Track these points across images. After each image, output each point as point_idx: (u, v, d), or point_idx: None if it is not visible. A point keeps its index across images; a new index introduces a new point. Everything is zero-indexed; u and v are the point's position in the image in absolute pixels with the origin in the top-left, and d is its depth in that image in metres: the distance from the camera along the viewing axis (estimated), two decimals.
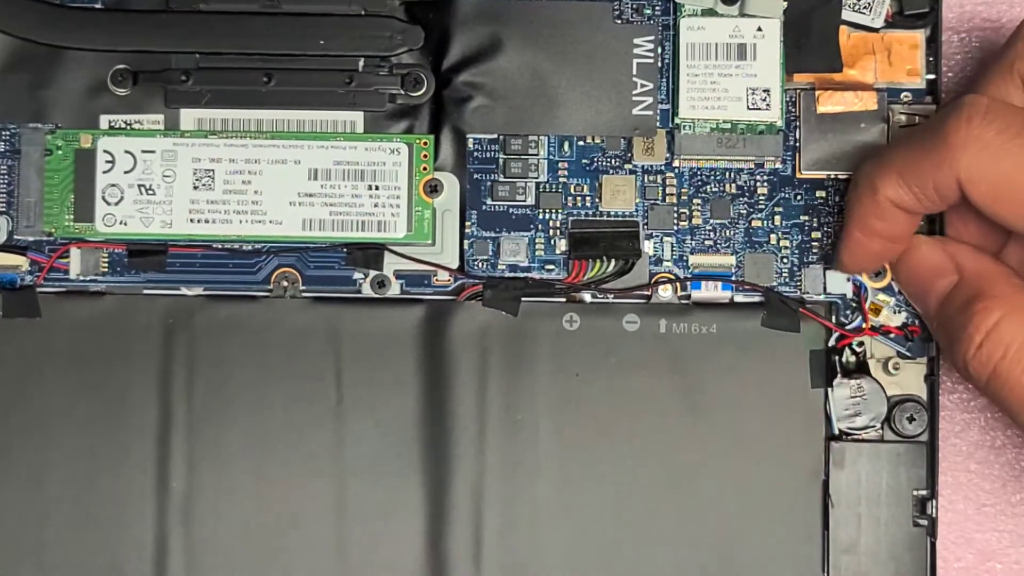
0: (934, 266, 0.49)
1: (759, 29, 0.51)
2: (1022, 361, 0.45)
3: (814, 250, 0.51)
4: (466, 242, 0.52)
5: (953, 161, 0.45)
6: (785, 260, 0.51)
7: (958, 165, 0.45)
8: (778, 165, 0.52)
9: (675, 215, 0.52)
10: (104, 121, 0.52)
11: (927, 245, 0.49)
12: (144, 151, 0.51)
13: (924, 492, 0.51)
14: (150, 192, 0.51)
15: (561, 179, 0.52)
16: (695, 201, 0.52)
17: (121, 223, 0.51)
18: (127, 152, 0.51)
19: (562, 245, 0.52)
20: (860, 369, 0.51)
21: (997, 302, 0.46)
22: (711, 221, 0.52)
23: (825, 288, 0.51)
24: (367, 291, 0.52)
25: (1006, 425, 0.53)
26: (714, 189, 0.52)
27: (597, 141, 0.52)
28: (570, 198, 0.52)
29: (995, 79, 0.47)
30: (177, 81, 0.52)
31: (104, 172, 0.51)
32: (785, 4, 0.50)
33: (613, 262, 0.51)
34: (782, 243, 0.52)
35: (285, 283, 0.52)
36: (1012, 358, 0.45)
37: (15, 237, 0.52)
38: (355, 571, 0.51)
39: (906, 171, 0.46)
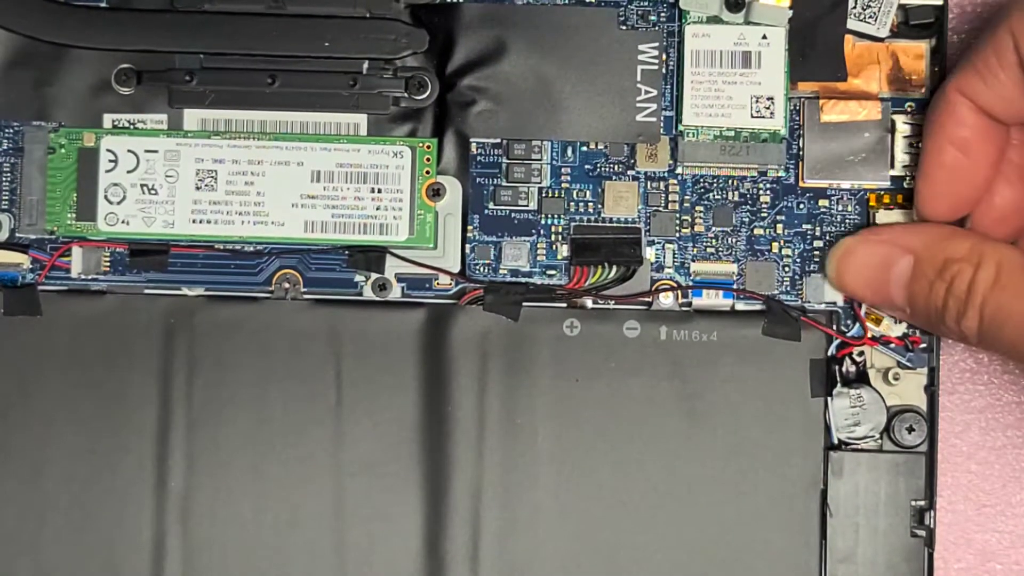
0: (880, 258, 0.49)
1: (764, 37, 0.51)
2: (1009, 290, 0.45)
3: (816, 259, 0.51)
4: (468, 246, 0.52)
5: (1007, 21, 0.46)
6: (787, 269, 0.51)
7: (1011, 20, 0.46)
8: (781, 173, 0.52)
9: (677, 222, 0.52)
10: (107, 120, 0.52)
11: (860, 242, 0.49)
12: (147, 151, 0.51)
13: (922, 502, 0.51)
14: (152, 192, 0.51)
15: (564, 184, 0.52)
16: (697, 208, 0.52)
17: (123, 222, 0.51)
18: (130, 151, 0.51)
19: (564, 250, 0.52)
20: (860, 379, 0.51)
21: (967, 260, 0.46)
22: (713, 229, 0.52)
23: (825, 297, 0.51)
24: (368, 294, 0.52)
25: (1006, 426, 0.53)
26: (717, 196, 0.52)
27: (600, 147, 0.52)
28: (572, 203, 0.52)
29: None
30: (181, 81, 0.52)
31: (107, 171, 0.51)
32: (791, 12, 0.50)
33: (615, 268, 0.51)
34: (784, 251, 0.52)
35: (286, 285, 0.52)
36: (1002, 296, 0.45)
37: (17, 235, 0.52)
38: (352, 572, 0.51)
39: (977, 63, 0.47)
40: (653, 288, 0.51)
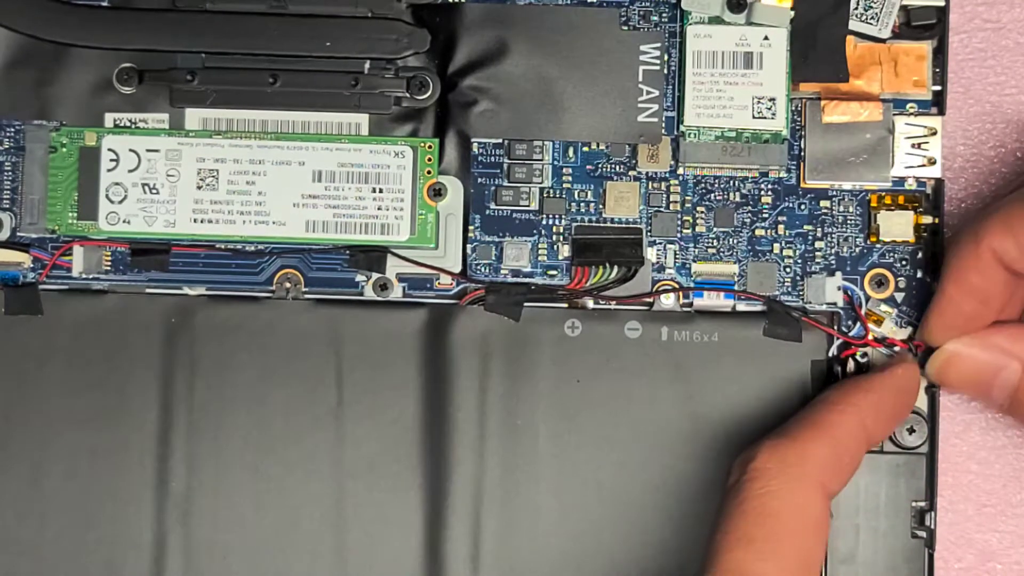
0: (986, 365, 0.49)
1: (766, 38, 0.51)
2: None
3: (817, 260, 0.51)
4: (469, 246, 0.52)
5: None
6: (788, 269, 0.51)
7: None
8: (782, 174, 0.52)
9: (679, 223, 0.52)
10: (109, 119, 0.52)
11: (967, 347, 0.49)
12: (148, 150, 0.51)
13: (923, 503, 0.51)
14: (154, 191, 0.51)
15: (565, 185, 0.52)
16: (699, 209, 0.52)
17: (124, 222, 0.51)
18: (131, 151, 0.51)
19: (565, 251, 0.52)
20: None
21: None
22: (714, 229, 0.52)
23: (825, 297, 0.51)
24: (369, 294, 0.52)
25: (1007, 426, 0.53)
26: (718, 197, 0.52)
27: (602, 147, 0.52)
28: (574, 204, 0.52)
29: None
30: (182, 80, 0.52)
31: (108, 170, 0.51)
32: (792, 13, 0.50)
33: (616, 269, 0.51)
34: (785, 252, 0.52)
35: (287, 284, 0.52)
36: None
37: (18, 234, 0.52)
38: (353, 573, 0.51)
39: (1013, 221, 0.46)
40: (654, 289, 0.51)
